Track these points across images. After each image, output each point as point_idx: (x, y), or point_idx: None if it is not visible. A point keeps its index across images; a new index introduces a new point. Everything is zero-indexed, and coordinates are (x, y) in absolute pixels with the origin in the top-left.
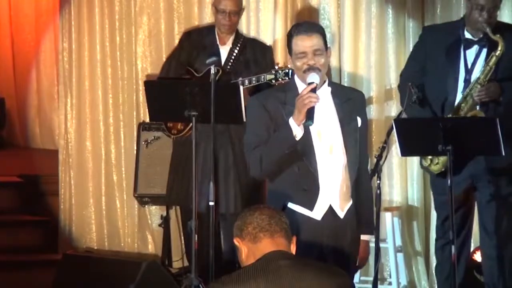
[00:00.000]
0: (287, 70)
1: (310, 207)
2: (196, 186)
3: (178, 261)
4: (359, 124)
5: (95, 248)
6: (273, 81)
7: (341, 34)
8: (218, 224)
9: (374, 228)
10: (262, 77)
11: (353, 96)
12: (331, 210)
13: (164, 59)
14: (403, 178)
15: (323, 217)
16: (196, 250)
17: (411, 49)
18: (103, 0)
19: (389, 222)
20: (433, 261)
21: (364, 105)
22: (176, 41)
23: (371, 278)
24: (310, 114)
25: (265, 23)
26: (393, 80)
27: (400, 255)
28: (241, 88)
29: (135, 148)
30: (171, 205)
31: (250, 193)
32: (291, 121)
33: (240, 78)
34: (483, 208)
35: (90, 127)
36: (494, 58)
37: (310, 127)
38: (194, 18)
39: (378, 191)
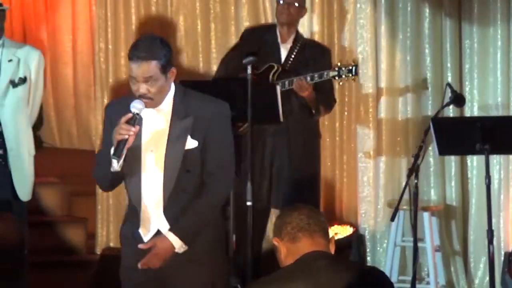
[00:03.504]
0: (350, 67)
1: (142, 231)
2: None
3: None
4: (195, 144)
5: None
6: (336, 77)
7: (377, 32)
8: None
9: (183, 235)
10: (325, 73)
11: (198, 113)
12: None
13: (200, 58)
14: (441, 178)
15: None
16: (234, 250)
17: (448, 48)
18: (139, 1)
19: (427, 222)
20: (472, 261)
21: (214, 120)
22: (213, 42)
23: (409, 278)
24: (117, 149)
25: (301, 22)
26: (429, 78)
27: (438, 255)
28: (278, 87)
29: None
30: None
31: (303, 191)
32: (112, 151)
33: (300, 76)
34: None
35: None
36: None
37: (142, 148)
38: (231, 18)
39: (416, 191)
